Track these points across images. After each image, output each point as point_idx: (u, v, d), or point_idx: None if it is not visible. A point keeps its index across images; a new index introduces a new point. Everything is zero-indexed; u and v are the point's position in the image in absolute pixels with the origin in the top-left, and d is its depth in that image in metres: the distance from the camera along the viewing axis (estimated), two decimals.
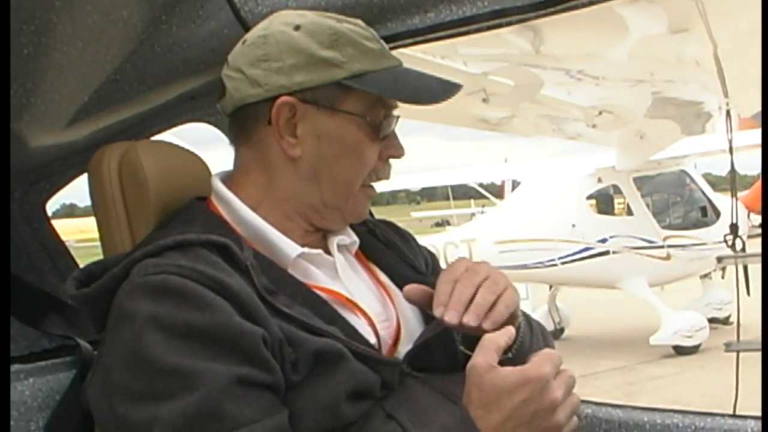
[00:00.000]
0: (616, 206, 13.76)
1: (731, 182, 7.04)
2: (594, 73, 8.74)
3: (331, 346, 1.34)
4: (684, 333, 11.54)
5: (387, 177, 1.57)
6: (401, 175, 22.54)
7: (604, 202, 13.47)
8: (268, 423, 1.25)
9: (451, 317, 1.39)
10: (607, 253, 12.28)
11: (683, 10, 6.33)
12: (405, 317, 1.54)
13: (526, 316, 1.60)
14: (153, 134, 2.04)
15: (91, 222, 1.69)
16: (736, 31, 6.32)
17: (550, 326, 12.75)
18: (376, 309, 1.52)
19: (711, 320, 12.14)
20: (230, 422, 1.23)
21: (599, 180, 12.85)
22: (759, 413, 1.76)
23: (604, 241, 12.29)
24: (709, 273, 12.94)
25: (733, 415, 1.85)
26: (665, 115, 10.50)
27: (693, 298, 12.97)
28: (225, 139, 1.64)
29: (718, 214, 12.95)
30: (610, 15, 6.18)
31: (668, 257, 12.41)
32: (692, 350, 11.57)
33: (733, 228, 6.63)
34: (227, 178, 1.55)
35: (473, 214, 25.20)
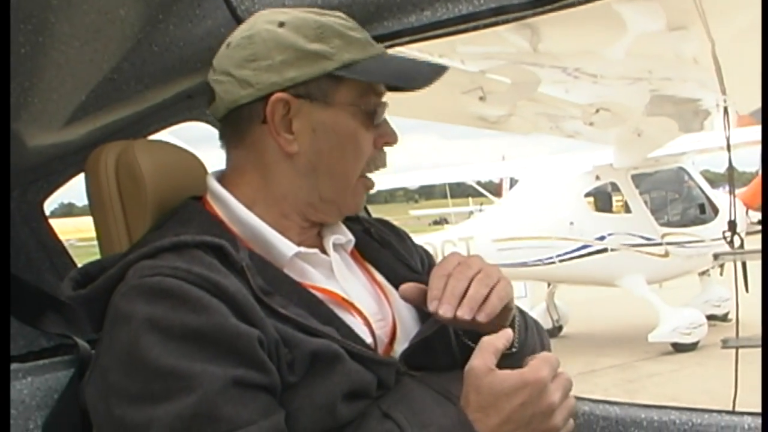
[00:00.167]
0: (614, 204, 13.76)
1: (729, 179, 7.04)
2: (591, 71, 8.76)
3: (328, 347, 1.34)
4: (682, 330, 11.55)
5: (384, 165, 1.57)
6: (399, 174, 22.54)
7: (602, 200, 13.47)
8: (264, 424, 1.25)
9: (445, 311, 1.39)
10: (605, 250, 12.29)
11: (681, 8, 6.34)
12: (401, 316, 1.54)
13: (519, 309, 1.60)
14: (150, 133, 2.04)
15: (89, 221, 1.69)
16: (733, 29, 6.33)
17: (548, 324, 12.77)
18: (372, 308, 1.52)
19: (709, 317, 12.14)
20: (227, 424, 1.23)
21: (597, 177, 12.85)
22: (757, 409, 1.77)
23: (602, 238, 12.29)
24: (708, 270, 12.94)
25: (731, 412, 1.86)
26: (663, 113, 10.51)
27: (691, 295, 12.97)
28: None
29: (716, 211, 12.95)
30: (607, 12, 6.19)
31: (666, 254, 12.41)
32: (691, 347, 11.58)
33: (732, 225, 6.63)
34: (222, 177, 1.55)
35: (471, 213, 25.17)
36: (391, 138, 1.55)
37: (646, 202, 12.90)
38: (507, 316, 1.48)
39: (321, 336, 1.35)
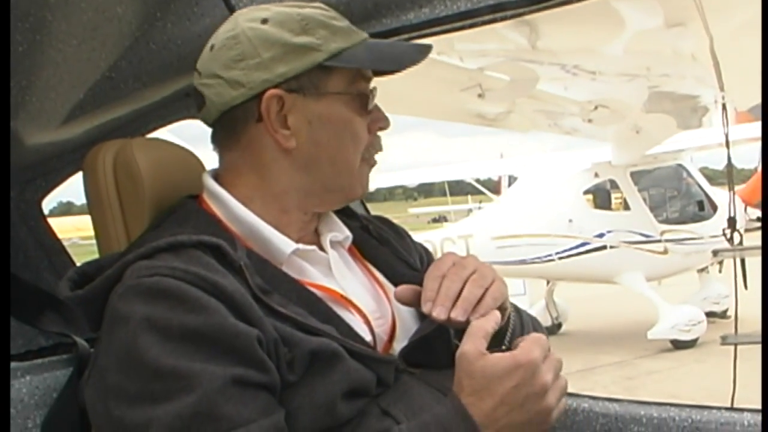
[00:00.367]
0: (613, 201, 13.76)
1: (728, 176, 7.04)
2: (590, 68, 8.76)
3: (327, 346, 1.34)
4: (681, 327, 11.56)
5: (380, 149, 1.57)
6: (398, 171, 22.54)
7: (601, 197, 13.48)
8: (264, 423, 1.25)
9: (439, 313, 1.39)
10: (604, 247, 12.30)
11: (679, 4, 6.34)
12: (400, 314, 1.53)
13: (516, 308, 1.60)
14: (148, 131, 2.04)
15: (88, 220, 1.69)
16: (732, 25, 6.33)
17: (547, 321, 12.77)
18: (371, 306, 1.51)
19: (708, 314, 12.14)
20: (227, 423, 1.23)
21: (596, 175, 12.86)
22: (756, 406, 1.77)
23: (601, 236, 12.30)
24: (707, 267, 12.96)
25: (729, 408, 1.86)
26: (661, 110, 10.52)
27: (690, 293, 12.98)
28: None
29: (715, 208, 12.96)
30: (606, 9, 6.19)
31: (665, 252, 12.42)
32: (690, 344, 11.58)
33: (731, 222, 6.63)
34: (217, 177, 1.54)
35: (470, 210, 25.18)
36: (383, 123, 1.55)
37: (644, 200, 12.90)
38: (502, 316, 1.48)
39: (320, 334, 1.35)
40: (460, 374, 1.32)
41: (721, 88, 7.36)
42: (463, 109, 10.26)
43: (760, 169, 15.05)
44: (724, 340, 6.46)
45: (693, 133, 12.41)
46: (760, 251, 6.79)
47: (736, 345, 5.99)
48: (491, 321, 1.36)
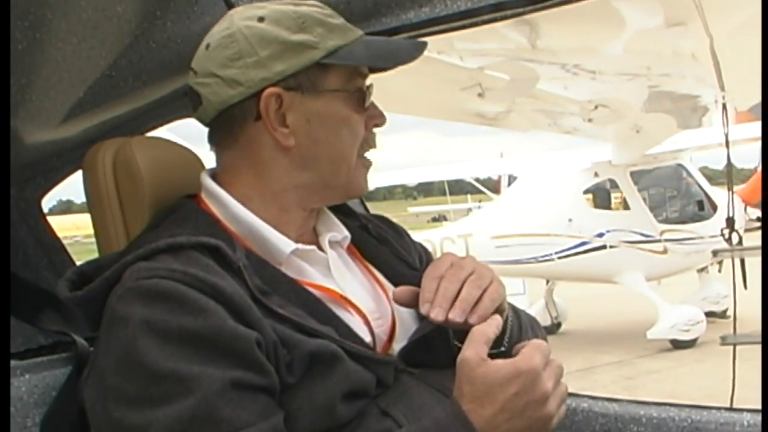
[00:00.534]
0: (613, 201, 13.76)
1: (728, 176, 7.04)
2: (590, 68, 8.75)
3: (326, 347, 1.34)
4: (681, 327, 11.56)
5: (375, 145, 1.57)
6: (398, 171, 22.54)
7: (601, 197, 13.48)
8: (263, 426, 1.25)
9: (436, 314, 1.39)
10: (603, 247, 12.30)
11: (679, 4, 6.34)
12: (400, 313, 1.53)
13: (514, 309, 1.60)
14: (148, 130, 2.04)
15: (88, 218, 1.68)
16: (732, 24, 6.33)
17: (547, 321, 12.78)
18: (370, 306, 1.51)
19: (708, 314, 12.14)
20: (226, 426, 1.22)
21: (596, 174, 12.86)
22: (755, 406, 1.77)
23: (600, 235, 12.30)
24: (706, 267, 12.96)
25: (729, 408, 1.86)
26: (661, 109, 10.52)
27: (690, 292, 12.98)
28: None
29: (714, 207, 12.96)
30: (606, 9, 6.18)
31: (665, 251, 12.42)
32: (689, 344, 11.58)
33: (730, 222, 6.64)
34: (215, 177, 1.53)
35: (470, 209, 25.19)
36: (379, 119, 1.55)
37: (644, 199, 12.90)
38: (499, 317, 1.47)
39: (319, 336, 1.34)
40: (461, 380, 1.31)
41: (722, 88, 7.37)
42: (463, 109, 10.25)
43: (759, 168, 15.06)
44: (724, 341, 6.46)
45: (693, 133, 12.41)
46: (759, 251, 6.80)
47: (735, 345, 6.00)
48: (493, 326, 1.36)
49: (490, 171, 22.66)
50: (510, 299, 1.54)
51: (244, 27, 1.45)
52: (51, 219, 2.16)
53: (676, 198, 13.53)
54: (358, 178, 1.54)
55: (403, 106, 9.77)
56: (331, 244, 1.56)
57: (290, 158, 1.47)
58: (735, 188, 7.22)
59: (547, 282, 13.34)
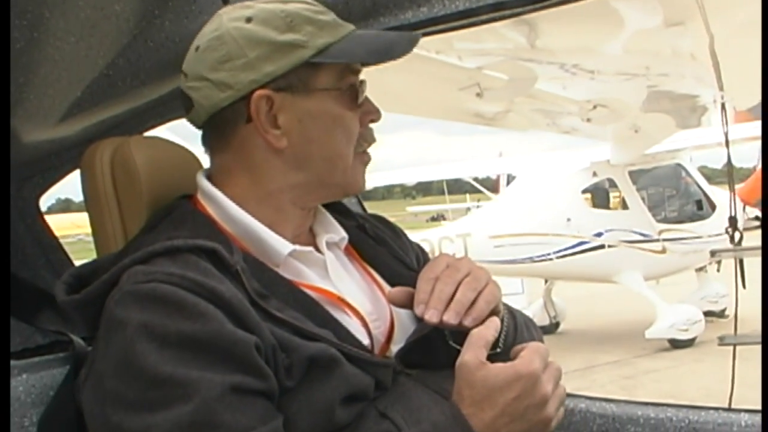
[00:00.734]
0: (612, 200, 13.77)
1: (729, 175, 7.04)
2: (589, 67, 8.75)
3: (325, 351, 1.33)
4: (680, 326, 11.56)
5: (373, 140, 1.55)
6: (397, 170, 22.54)
7: (600, 196, 13.49)
8: (262, 430, 1.24)
9: (431, 316, 1.38)
10: (602, 247, 12.30)
11: (678, 3, 6.34)
12: (398, 314, 1.52)
13: (509, 309, 1.60)
14: (146, 129, 2.04)
15: (86, 217, 1.68)
16: (731, 24, 6.33)
17: (545, 321, 12.79)
18: (368, 307, 1.50)
19: (707, 313, 12.15)
20: (225, 430, 1.22)
21: (594, 174, 12.86)
22: (753, 406, 1.77)
23: (599, 235, 12.31)
24: (705, 266, 12.97)
25: (727, 409, 1.86)
26: (660, 109, 10.52)
27: (689, 292, 12.99)
28: None
29: (713, 207, 12.97)
30: (605, 8, 6.19)
31: (664, 251, 12.42)
32: (688, 344, 11.59)
33: (732, 221, 6.64)
34: (210, 178, 1.52)
35: (468, 209, 25.20)
36: (374, 115, 1.54)
37: (643, 199, 12.91)
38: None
39: (318, 339, 1.34)
40: (460, 384, 1.31)
41: (720, 88, 7.37)
42: (461, 108, 10.25)
43: (758, 168, 15.07)
44: (722, 341, 6.46)
45: (692, 133, 12.43)
46: (756, 251, 6.80)
47: (734, 345, 6.00)
48: (491, 329, 1.36)
49: (489, 170, 22.65)
50: (508, 299, 1.54)
51: (232, 29, 1.44)
52: (50, 218, 2.16)
53: (674, 197, 13.54)
54: (355, 176, 1.52)
55: (402, 105, 9.78)
56: (329, 245, 1.56)
57: (284, 159, 1.46)
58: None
59: (546, 281, 13.34)
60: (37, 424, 1.71)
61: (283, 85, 1.43)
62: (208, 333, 1.25)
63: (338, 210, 1.65)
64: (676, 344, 11.61)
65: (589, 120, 11.05)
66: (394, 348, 1.48)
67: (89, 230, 1.67)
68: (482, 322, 1.39)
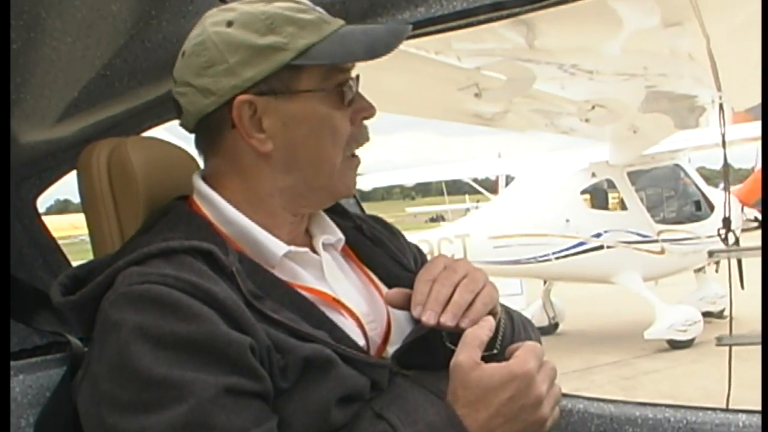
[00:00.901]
0: (610, 201, 13.76)
1: (724, 176, 7.06)
2: (587, 68, 8.75)
3: (320, 352, 1.33)
4: (678, 327, 11.57)
5: (367, 139, 1.53)
6: (396, 171, 22.57)
7: (598, 197, 13.48)
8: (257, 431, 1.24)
9: (428, 317, 1.38)
10: (601, 247, 12.31)
11: (676, 4, 6.34)
12: (395, 315, 1.51)
13: (507, 310, 1.59)
14: (144, 130, 2.04)
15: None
16: (729, 25, 6.33)
17: (544, 321, 12.80)
18: (364, 309, 1.50)
19: (705, 314, 12.15)
20: None
21: (593, 175, 12.86)
22: (751, 407, 1.77)
23: (598, 235, 12.31)
24: (703, 267, 12.97)
25: (725, 409, 1.86)
26: (659, 109, 10.51)
27: (687, 293, 12.99)
28: None
29: (712, 207, 12.97)
30: (603, 9, 6.19)
31: (662, 252, 12.43)
32: (687, 344, 11.59)
33: (726, 222, 6.64)
34: (205, 179, 1.52)
35: (468, 210, 25.22)
36: (367, 112, 1.51)
37: (642, 199, 12.91)
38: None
39: (313, 340, 1.34)
40: (455, 384, 1.31)
41: (719, 88, 7.36)
42: (460, 109, 10.25)
43: (757, 168, 15.08)
44: (720, 341, 6.46)
45: (690, 133, 12.42)
46: (755, 252, 6.80)
47: (731, 346, 5.99)
48: (485, 329, 1.36)
49: (488, 171, 22.64)
50: (507, 300, 1.54)
51: (213, 33, 1.43)
52: (48, 219, 2.16)
53: (673, 198, 13.54)
54: (343, 179, 1.50)
55: (401, 106, 9.78)
56: (325, 246, 1.55)
57: (272, 163, 1.45)
58: (732, 188, 7.22)
59: (545, 282, 13.34)
60: (34, 425, 1.71)
61: (265, 89, 1.42)
62: (203, 334, 1.25)
63: (335, 211, 1.64)
64: (674, 345, 11.61)
65: (587, 120, 11.05)
66: (391, 349, 1.48)
67: (86, 231, 1.66)
68: None
